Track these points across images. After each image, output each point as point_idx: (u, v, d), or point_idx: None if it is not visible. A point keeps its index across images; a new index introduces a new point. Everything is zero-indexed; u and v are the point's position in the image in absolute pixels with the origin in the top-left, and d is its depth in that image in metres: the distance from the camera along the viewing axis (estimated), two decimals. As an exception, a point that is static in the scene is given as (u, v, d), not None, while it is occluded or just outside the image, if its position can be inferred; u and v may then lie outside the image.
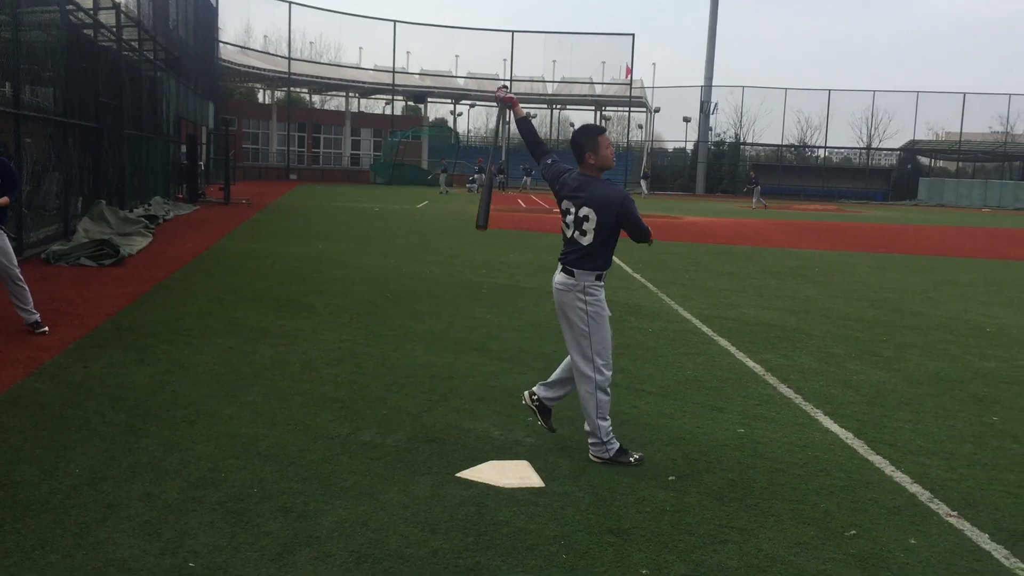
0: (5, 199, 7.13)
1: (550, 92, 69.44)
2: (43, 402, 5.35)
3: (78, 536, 3.52)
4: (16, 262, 7.27)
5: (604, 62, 65.64)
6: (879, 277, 13.71)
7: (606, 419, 4.63)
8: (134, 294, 9.44)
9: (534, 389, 4.99)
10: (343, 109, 65.10)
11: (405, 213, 25.98)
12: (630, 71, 64.15)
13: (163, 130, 24.42)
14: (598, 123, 72.12)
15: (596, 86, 67.59)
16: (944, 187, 62.36)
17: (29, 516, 3.69)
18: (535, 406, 4.94)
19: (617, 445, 4.66)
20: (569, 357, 4.80)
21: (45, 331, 7.24)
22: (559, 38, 66.32)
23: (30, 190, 11.50)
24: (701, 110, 64.72)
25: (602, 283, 4.66)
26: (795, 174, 64.59)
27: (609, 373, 4.66)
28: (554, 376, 4.95)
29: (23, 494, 3.93)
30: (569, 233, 4.69)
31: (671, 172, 69.94)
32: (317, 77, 60.94)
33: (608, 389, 4.65)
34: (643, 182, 51.99)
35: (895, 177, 66.74)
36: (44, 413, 5.13)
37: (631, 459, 4.64)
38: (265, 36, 59.56)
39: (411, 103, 67.60)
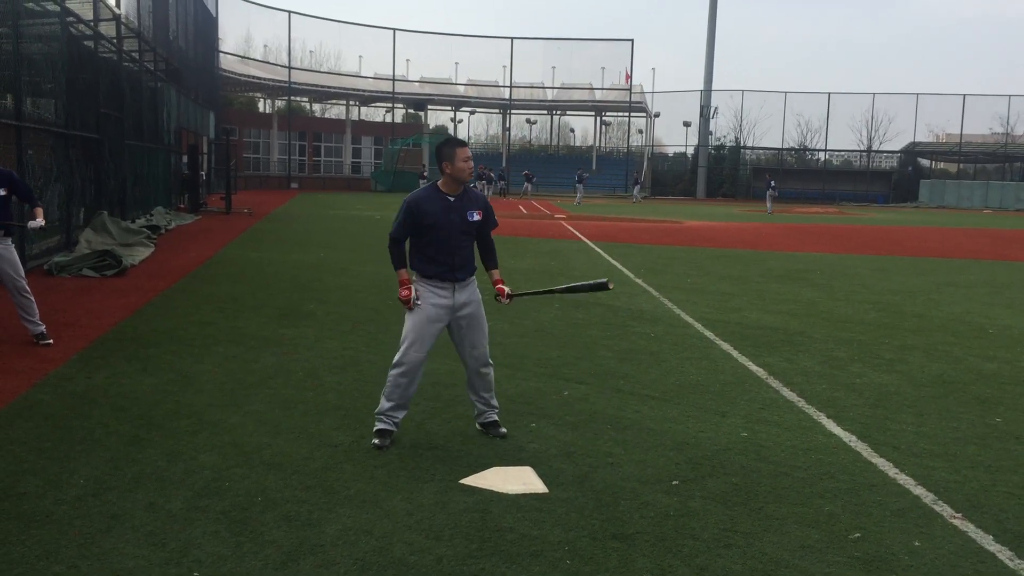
0: (40, 210, 7.43)
1: (550, 98, 69.60)
2: (47, 413, 5.36)
3: (83, 547, 3.52)
4: (23, 273, 7.32)
5: (603, 67, 65.82)
6: (881, 279, 13.70)
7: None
8: (136, 304, 9.46)
9: (479, 424, 5.24)
10: (343, 117, 65.28)
11: (406, 220, 25.98)
12: (629, 76, 64.27)
13: (164, 140, 24.48)
14: (600, 128, 72.33)
15: (596, 91, 67.71)
16: (945, 189, 62.34)
17: (34, 527, 3.70)
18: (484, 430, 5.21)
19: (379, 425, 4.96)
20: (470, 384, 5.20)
21: (50, 343, 7.25)
22: (558, 44, 66.49)
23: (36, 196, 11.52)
24: (701, 114, 64.78)
25: (419, 279, 5.01)
26: (796, 177, 64.59)
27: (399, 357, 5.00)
28: (475, 405, 5.22)
29: (27, 505, 3.93)
30: None
31: (672, 177, 69.95)
32: (317, 86, 61.08)
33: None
34: (635, 188, 51.82)
35: (896, 179, 66.74)
36: (48, 424, 5.14)
37: (374, 441, 4.91)
38: (265, 45, 59.77)
39: (411, 110, 67.71)
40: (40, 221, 7.43)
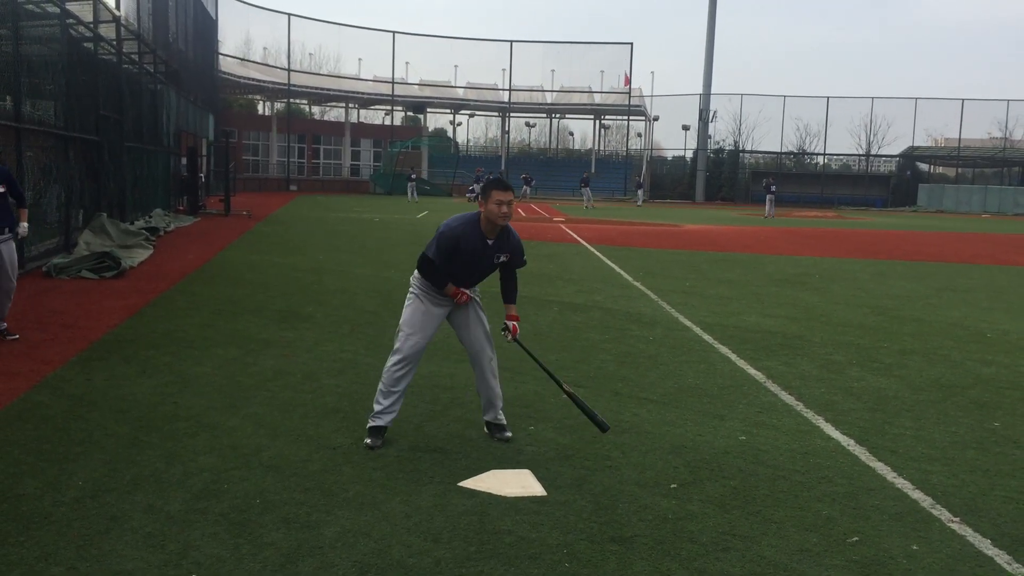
0: (24, 212, 7.61)
1: (549, 101, 69.63)
2: (46, 415, 5.36)
3: (81, 549, 3.52)
4: (15, 275, 7.41)
5: (603, 71, 65.87)
6: (879, 284, 13.72)
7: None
8: (135, 306, 9.46)
9: (486, 420, 5.26)
10: (343, 120, 65.27)
11: (405, 223, 26.01)
12: (628, 80, 64.34)
13: (163, 142, 24.49)
14: (599, 131, 72.32)
15: (595, 95, 67.79)
16: (943, 193, 62.46)
17: (32, 529, 3.70)
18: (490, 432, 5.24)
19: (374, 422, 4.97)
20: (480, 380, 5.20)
21: (16, 337, 7.38)
22: (558, 47, 66.57)
23: (31, 203, 11.55)
24: (700, 118, 64.84)
25: (422, 282, 5.08)
26: (794, 181, 64.66)
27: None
28: (483, 401, 5.25)
29: (26, 507, 3.93)
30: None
31: (670, 180, 70.01)
32: (317, 88, 61.12)
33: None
34: (639, 191, 51.99)
35: (894, 183, 66.83)
36: (47, 426, 5.14)
37: (367, 440, 4.93)
38: (265, 48, 59.81)
39: (410, 113, 67.73)
40: (25, 225, 7.64)
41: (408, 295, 5.14)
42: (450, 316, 5.17)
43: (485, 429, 5.24)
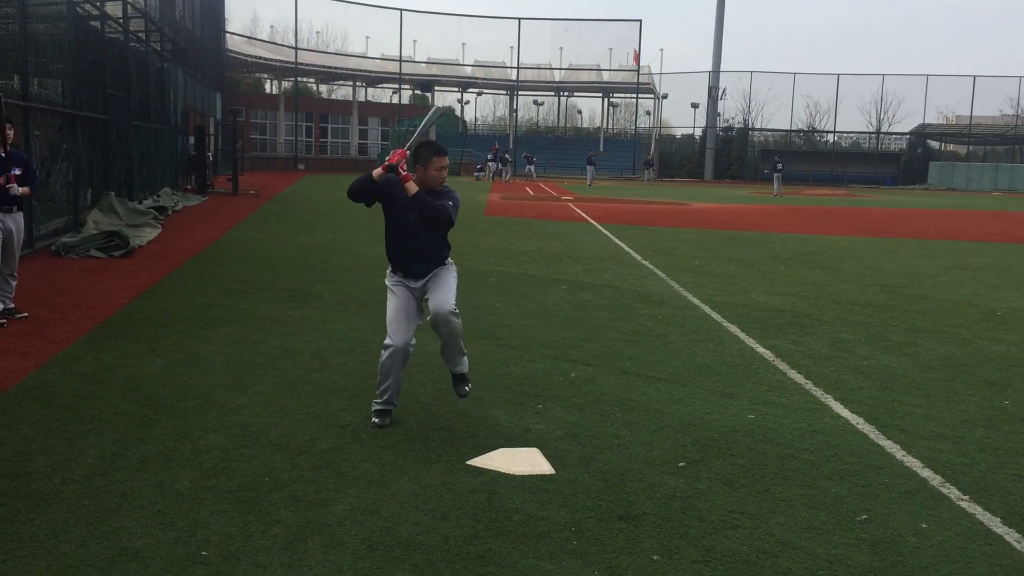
0: (27, 189, 7.49)
1: (557, 79, 69.18)
2: (55, 393, 5.38)
3: (92, 526, 3.54)
4: (19, 251, 7.46)
5: (611, 49, 65.41)
6: (889, 262, 13.65)
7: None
8: (144, 285, 9.48)
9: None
10: (350, 98, 65.02)
11: (413, 202, 25.92)
12: (637, 57, 63.87)
13: (171, 121, 24.44)
14: (607, 109, 71.96)
15: (603, 73, 67.33)
16: (955, 171, 62.02)
17: (43, 506, 3.72)
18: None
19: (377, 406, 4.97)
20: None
21: (25, 316, 7.42)
22: (566, 25, 66.08)
23: (40, 182, 11.57)
24: (709, 96, 64.40)
25: (390, 272, 5.07)
26: (804, 159, 64.25)
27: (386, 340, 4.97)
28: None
29: (37, 485, 3.95)
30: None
31: (679, 158, 69.65)
32: (324, 67, 60.86)
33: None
34: (648, 170, 51.76)
35: (905, 161, 66.37)
36: (57, 404, 5.16)
37: (374, 420, 4.94)
38: (272, 26, 59.68)
39: (418, 92, 67.45)
40: (21, 190, 7.30)
41: (386, 293, 5.08)
42: (424, 292, 5.01)
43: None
